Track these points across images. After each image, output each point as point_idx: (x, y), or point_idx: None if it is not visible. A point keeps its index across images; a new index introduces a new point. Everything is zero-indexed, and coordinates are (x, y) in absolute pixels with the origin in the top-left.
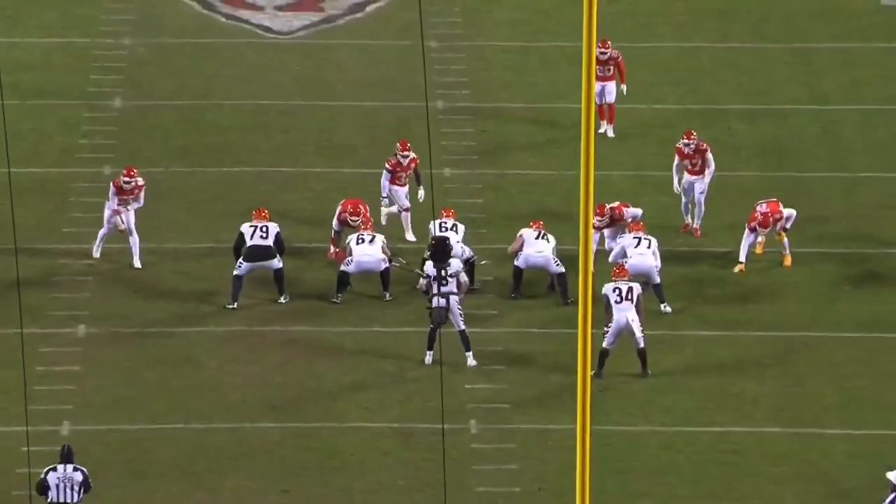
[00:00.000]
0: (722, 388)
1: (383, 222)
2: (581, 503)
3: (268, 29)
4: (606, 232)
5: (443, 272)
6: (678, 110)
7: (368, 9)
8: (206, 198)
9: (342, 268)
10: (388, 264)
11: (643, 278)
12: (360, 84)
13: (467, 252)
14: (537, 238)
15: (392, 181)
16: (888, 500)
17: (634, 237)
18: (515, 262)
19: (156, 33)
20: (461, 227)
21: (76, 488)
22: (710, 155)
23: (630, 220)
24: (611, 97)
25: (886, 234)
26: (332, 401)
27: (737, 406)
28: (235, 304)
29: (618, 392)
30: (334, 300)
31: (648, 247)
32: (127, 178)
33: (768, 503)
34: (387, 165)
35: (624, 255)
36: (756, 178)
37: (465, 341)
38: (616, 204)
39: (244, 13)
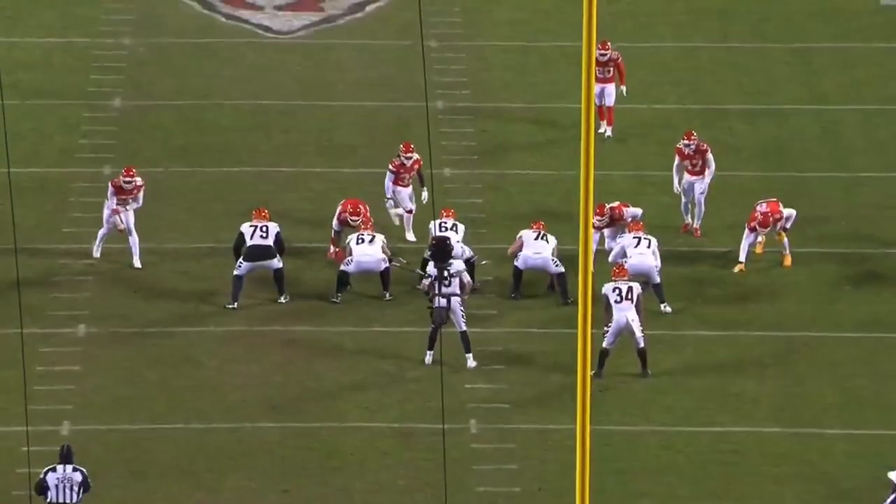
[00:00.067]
0: (722, 388)
1: (396, 223)
2: (581, 503)
3: (268, 29)
4: (606, 232)
5: (444, 272)
6: (678, 110)
7: (368, 9)
8: (206, 198)
9: (342, 268)
10: (388, 264)
11: (643, 278)
12: (360, 84)
13: (467, 252)
14: (536, 239)
15: (395, 182)
16: (889, 500)
17: (634, 237)
18: (515, 263)
19: (156, 33)
20: (461, 227)
21: (75, 488)
22: (710, 155)
23: (630, 219)
24: (610, 99)
25: (887, 234)
26: (333, 401)
27: (737, 406)
28: (235, 303)
29: (618, 392)
30: (334, 300)
31: (648, 246)
32: (127, 179)
33: (768, 503)
34: (390, 167)
35: (624, 254)
36: (756, 178)
37: (466, 342)
38: (616, 204)
39: (244, 13)
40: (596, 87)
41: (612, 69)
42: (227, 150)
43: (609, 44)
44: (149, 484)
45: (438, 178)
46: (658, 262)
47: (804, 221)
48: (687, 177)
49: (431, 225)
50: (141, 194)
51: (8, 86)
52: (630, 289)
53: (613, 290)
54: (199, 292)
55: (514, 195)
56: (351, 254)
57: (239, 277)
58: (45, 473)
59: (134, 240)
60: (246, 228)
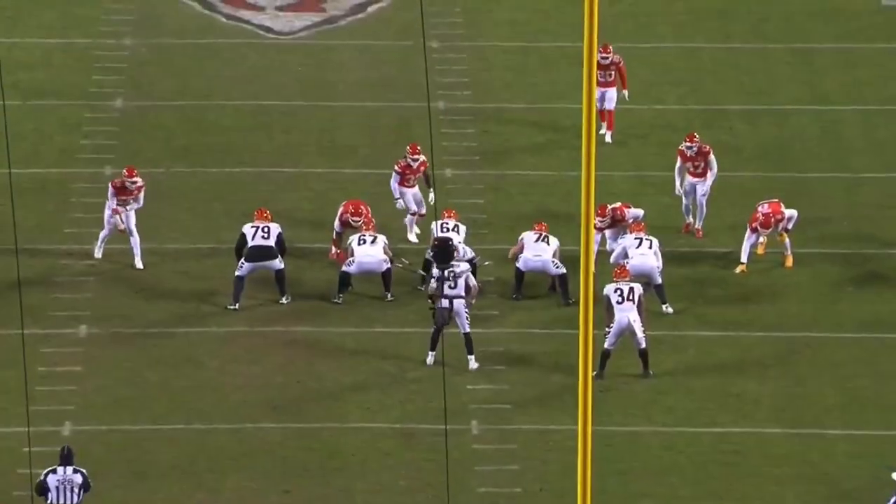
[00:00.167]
0: (723, 389)
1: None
2: None
3: (269, 29)
4: (608, 233)
5: (447, 273)
6: (679, 111)
7: (370, 9)
8: (208, 198)
9: (344, 268)
10: (389, 265)
11: (644, 279)
12: (361, 84)
13: (468, 253)
14: (537, 241)
15: (400, 183)
16: (892, 501)
17: (636, 238)
18: (516, 264)
19: (157, 34)
20: (462, 228)
21: (76, 490)
22: (712, 157)
23: (631, 220)
24: (611, 104)
25: (888, 234)
26: (334, 401)
27: (738, 406)
28: (237, 304)
29: (619, 392)
30: (336, 301)
31: (650, 247)
32: (130, 179)
33: None
34: (396, 168)
35: (625, 255)
36: (757, 178)
37: (469, 344)
38: (617, 205)
39: (245, 13)
40: (597, 92)
41: (613, 73)
42: (229, 151)
43: (611, 47)
44: (150, 484)
45: (440, 179)
46: (659, 263)
47: (805, 222)
48: (689, 178)
49: (433, 226)
50: (141, 195)
51: (9, 86)
52: (632, 289)
53: (615, 291)
54: (200, 293)
55: (515, 196)
56: (352, 254)
57: (240, 278)
58: (46, 475)
59: (135, 240)
60: (247, 229)
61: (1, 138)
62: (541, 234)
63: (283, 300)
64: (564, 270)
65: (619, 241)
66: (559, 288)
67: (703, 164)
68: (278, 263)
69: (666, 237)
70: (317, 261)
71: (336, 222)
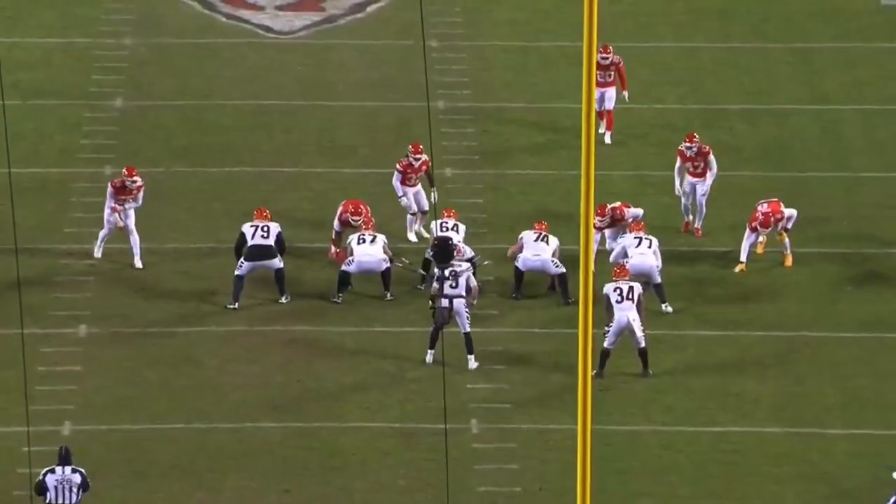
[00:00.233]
0: (723, 388)
1: (423, 231)
2: (582, 503)
3: (268, 29)
4: (607, 232)
5: (447, 272)
6: (679, 110)
7: (369, 9)
8: (207, 198)
9: (343, 268)
10: (389, 264)
11: (644, 278)
12: (361, 84)
13: (468, 252)
14: (536, 240)
15: (402, 182)
16: (892, 501)
17: (635, 237)
18: (516, 264)
19: (156, 33)
20: (462, 227)
21: (75, 490)
22: (712, 157)
23: (631, 220)
24: (610, 104)
25: (887, 233)
26: (333, 401)
27: (738, 406)
28: (236, 303)
29: (619, 392)
30: (335, 300)
31: (649, 247)
32: (130, 179)
33: (769, 503)
34: (397, 166)
35: (625, 255)
36: (757, 177)
37: (469, 344)
38: (617, 204)
39: (245, 13)
40: (596, 92)
41: (612, 73)
42: (228, 150)
43: (611, 48)
44: (150, 484)
45: (439, 178)
46: (659, 263)
47: (805, 221)
48: (689, 178)
49: (433, 225)
50: (141, 194)
51: (9, 86)
52: (631, 289)
53: (614, 291)
54: (199, 292)
55: (515, 195)
56: (352, 254)
57: (240, 277)
58: (44, 475)
59: (135, 240)
60: (247, 228)
61: (1, 138)
62: (540, 234)
63: (283, 299)
64: (564, 270)
65: (619, 240)
66: (559, 287)
67: (702, 165)
68: (278, 263)
69: (665, 236)
70: (316, 260)
71: (335, 222)
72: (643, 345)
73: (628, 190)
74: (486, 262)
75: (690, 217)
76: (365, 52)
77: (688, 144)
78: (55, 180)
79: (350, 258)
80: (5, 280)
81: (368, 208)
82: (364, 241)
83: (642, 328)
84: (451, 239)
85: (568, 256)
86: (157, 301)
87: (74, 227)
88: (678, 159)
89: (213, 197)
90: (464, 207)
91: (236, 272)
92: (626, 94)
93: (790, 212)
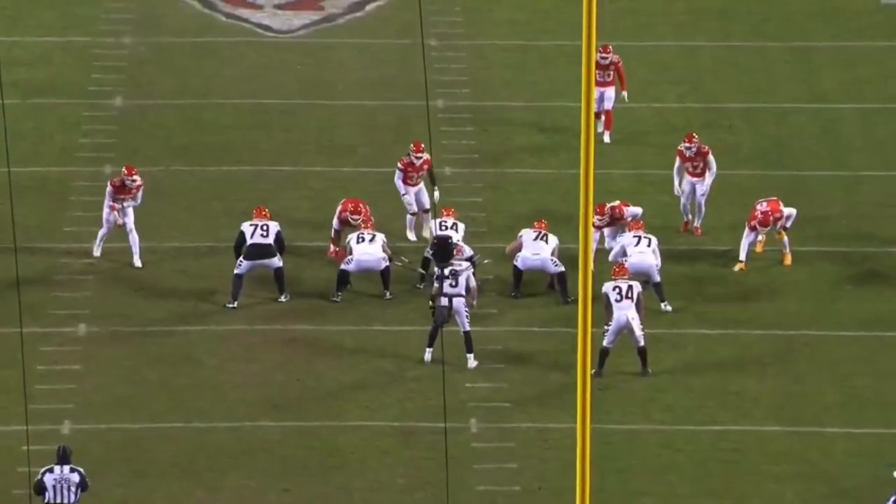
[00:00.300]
0: (722, 387)
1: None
2: (581, 502)
3: (268, 28)
4: (606, 231)
5: (447, 271)
6: (678, 109)
7: (368, 8)
8: (207, 197)
9: (342, 266)
10: (388, 263)
11: (643, 277)
12: (360, 83)
13: (467, 251)
14: (535, 239)
15: (403, 181)
16: (891, 500)
17: (634, 236)
18: (515, 263)
19: (156, 32)
20: (461, 226)
21: (73, 489)
22: (711, 157)
23: (630, 218)
24: (609, 104)
25: (887, 232)
26: (333, 399)
27: (737, 404)
28: (235, 302)
29: (618, 391)
30: (334, 299)
31: (648, 245)
32: (129, 178)
33: (768, 502)
34: (399, 165)
35: (624, 253)
36: (756, 176)
37: (468, 343)
38: (616, 203)
39: (244, 12)
40: (595, 92)
41: (612, 73)
42: (228, 149)
43: (610, 47)
44: (149, 483)
45: (439, 177)
46: (658, 261)
47: (804, 220)
48: (688, 178)
49: (432, 224)
50: (140, 193)
51: (8, 85)
52: (630, 287)
53: (614, 289)
54: (199, 291)
55: (515, 194)
56: (351, 253)
57: (239, 276)
58: (43, 474)
59: (134, 239)
60: (246, 227)
61: (0, 137)
62: (539, 233)
63: (282, 298)
64: (563, 269)
65: (618, 239)
66: (558, 286)
67: (701, 165)
68: (277, 262)
69: (665, 235)
70: (315, 259)
71: (335, 220)
72: (642, 344)
73: (627, 189)
74: (485, 261)
75: (689, 217)
76: (364, 52)
77: (687, 144)
78: (55, 179)
79: (349, 257)
80: (5, 279)
81: (368, 207)
82: (363, 239)
83: (641, 327)
84: (450, 238)
85: (567, 255)
86: (157, 300)
87: (74, 226)
88: (677, 159)
89: (213, 196)
90: (463, 206)
91: (235, 271)
92: (625, 94)
93: (789, 211)
